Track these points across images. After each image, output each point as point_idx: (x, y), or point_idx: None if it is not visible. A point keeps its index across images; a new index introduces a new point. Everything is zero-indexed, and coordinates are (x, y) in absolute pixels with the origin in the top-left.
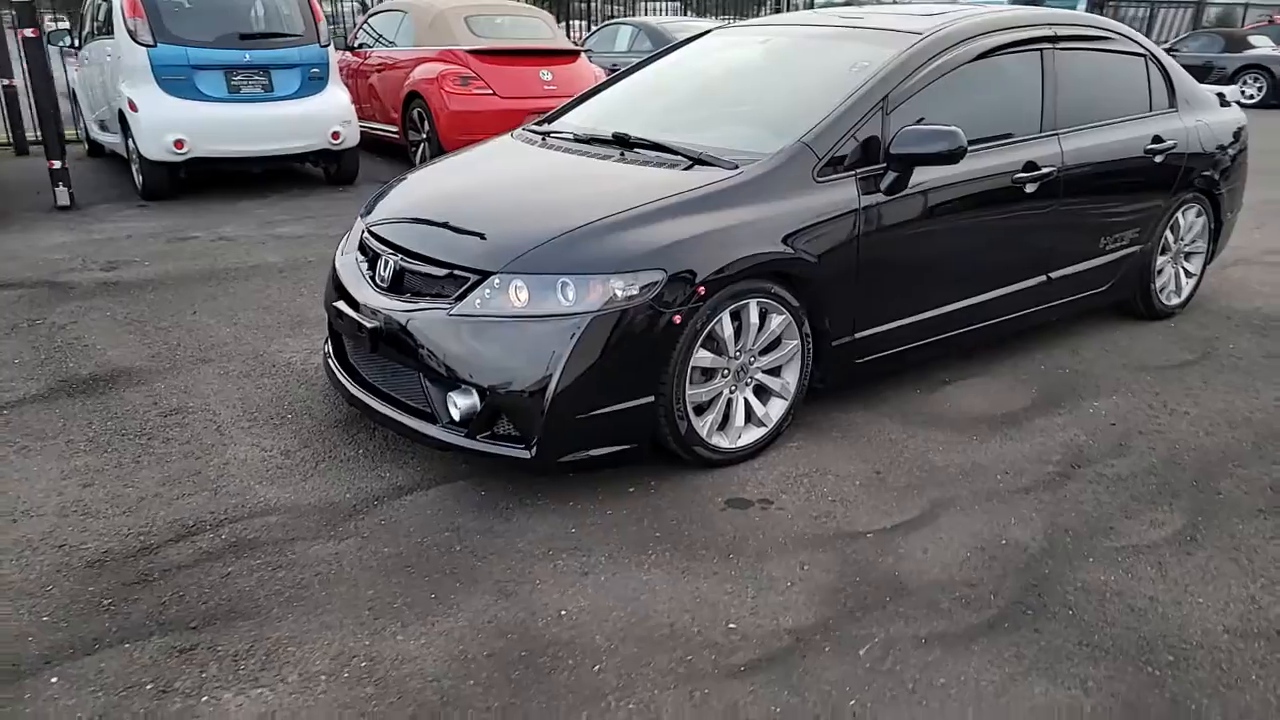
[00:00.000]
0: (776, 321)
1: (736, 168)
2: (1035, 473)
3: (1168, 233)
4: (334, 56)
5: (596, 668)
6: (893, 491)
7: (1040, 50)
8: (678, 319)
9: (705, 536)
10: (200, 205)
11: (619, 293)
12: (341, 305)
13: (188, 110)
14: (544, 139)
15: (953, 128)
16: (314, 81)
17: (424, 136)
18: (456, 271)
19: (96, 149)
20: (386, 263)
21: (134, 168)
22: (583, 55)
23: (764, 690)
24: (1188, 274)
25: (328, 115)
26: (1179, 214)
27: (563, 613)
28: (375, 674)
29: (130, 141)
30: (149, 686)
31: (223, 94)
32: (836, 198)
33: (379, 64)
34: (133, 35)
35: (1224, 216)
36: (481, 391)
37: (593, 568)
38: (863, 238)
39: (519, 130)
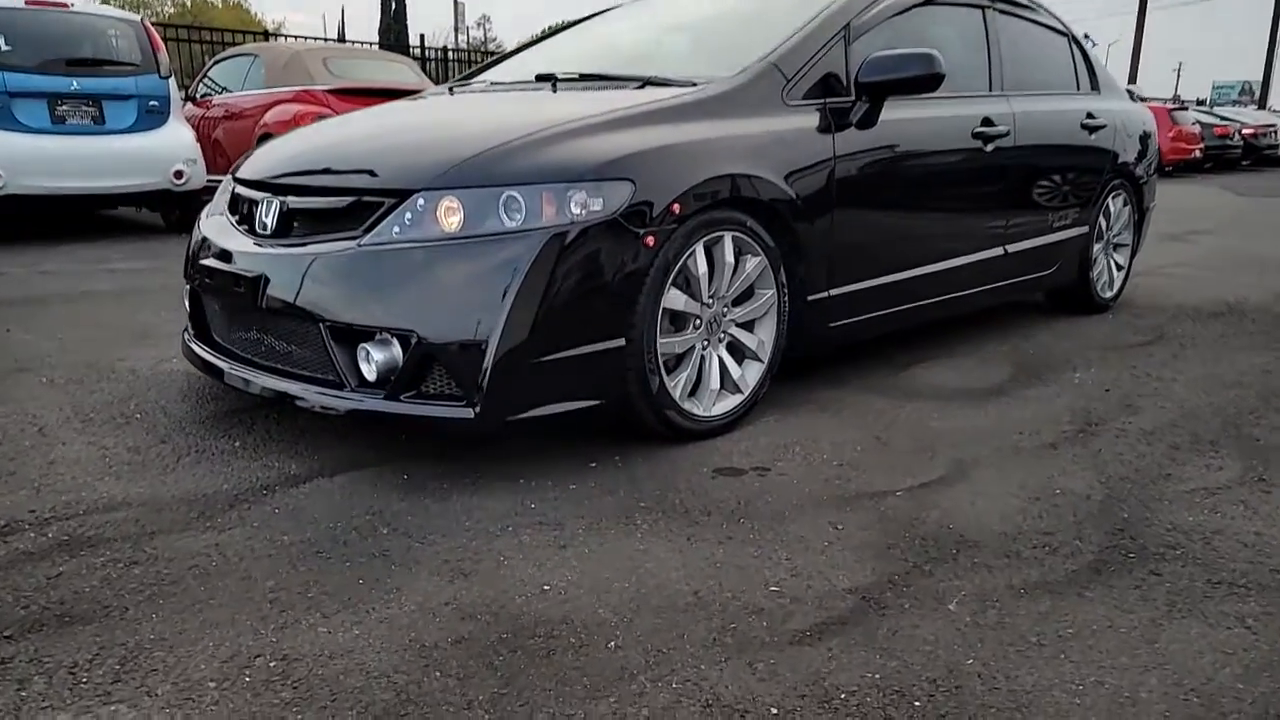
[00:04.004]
0: (752, 264)
1: (695, 85)
2: (1052, 432)
3: (1101, 219)
4: (176, 90)
5: (611, 644)
6: (902, 454)
7: (981, 9)
8: (650, 241)
9: (701, 504)
10: (13, 247)
11: (579, 207)
12: (212, 262)
13: (3, 141)
14: (450, 91)
15: (928, 50)
16: (152, 115)
17: None
18: (366, 198)
19: None
20: (270, 206)
21: None
22: None
23: (847, 656)
24: (1118, 266)
25: (169, 152)
26: (1109, 200)
27: (545, 588)
28: (293, 674)
29: None
30: None
31: (45, 125)
32: (808, 125)
33: (225, 112)
34: None
35: (1145, 206)
36: (404, 340)
37: (570, 540)
38: (837, 174)
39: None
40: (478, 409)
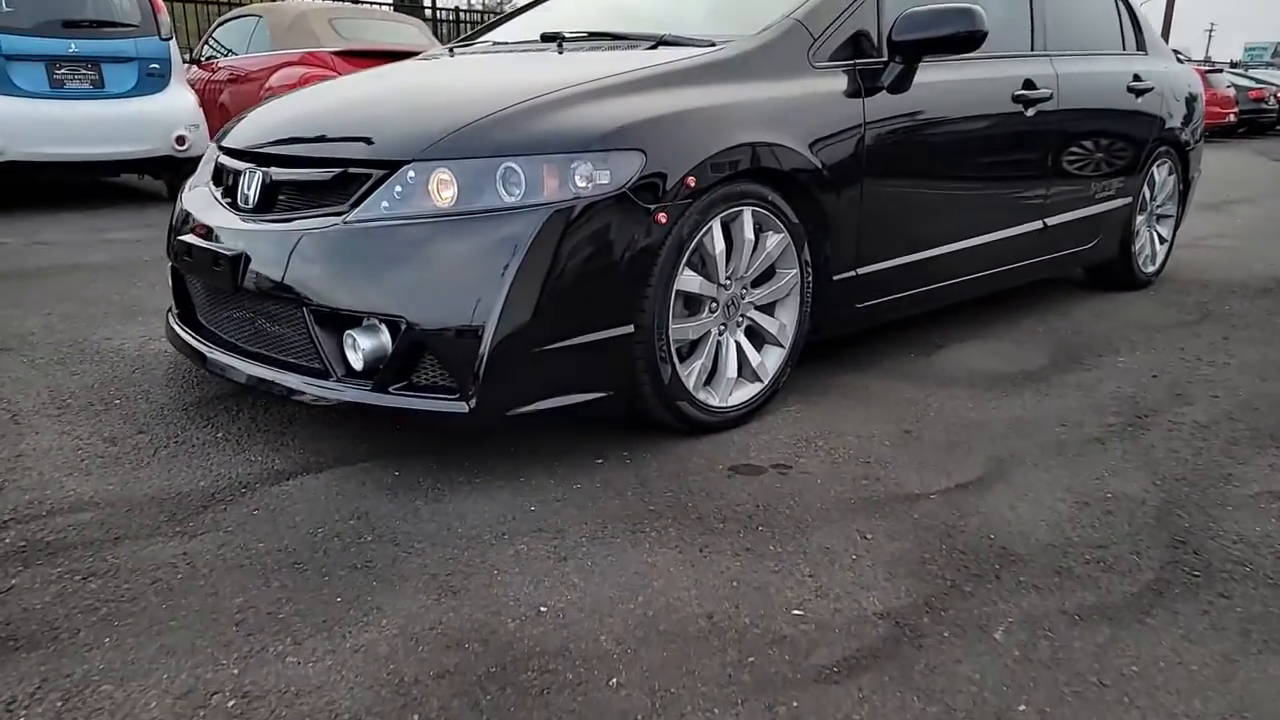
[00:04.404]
0: (773, 241)
1: (713, 45)
2: (1098, 425)
3: (1145, 188)
4: (176, 52)
5: (613, 681)
6: (935, 450)
7: None
8: (662, 217)
9: (716, 508)
10: (11, 217)
11: (584, 180)
12: (191, 239)
13: (1, 107)
14: (450, 53)
15: (969, 5)
16: (153, 79)
17: None
18: (353, 169)
19: None
20: (252, 178)
21: None
22: None
23: (880, 698)
24: (1160, 239)
25: (170, 117)
26: (1154, 168)
27: (542, 609)
28: (253, 717)
29: None
30: None
31: (43, 89)
32: (836, 89)
33: (229, 75)
34: None
35: (1191, 175)
36: (393, 326)
37: (571, 551)
38: (867, 142)
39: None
40: (473, 403)
